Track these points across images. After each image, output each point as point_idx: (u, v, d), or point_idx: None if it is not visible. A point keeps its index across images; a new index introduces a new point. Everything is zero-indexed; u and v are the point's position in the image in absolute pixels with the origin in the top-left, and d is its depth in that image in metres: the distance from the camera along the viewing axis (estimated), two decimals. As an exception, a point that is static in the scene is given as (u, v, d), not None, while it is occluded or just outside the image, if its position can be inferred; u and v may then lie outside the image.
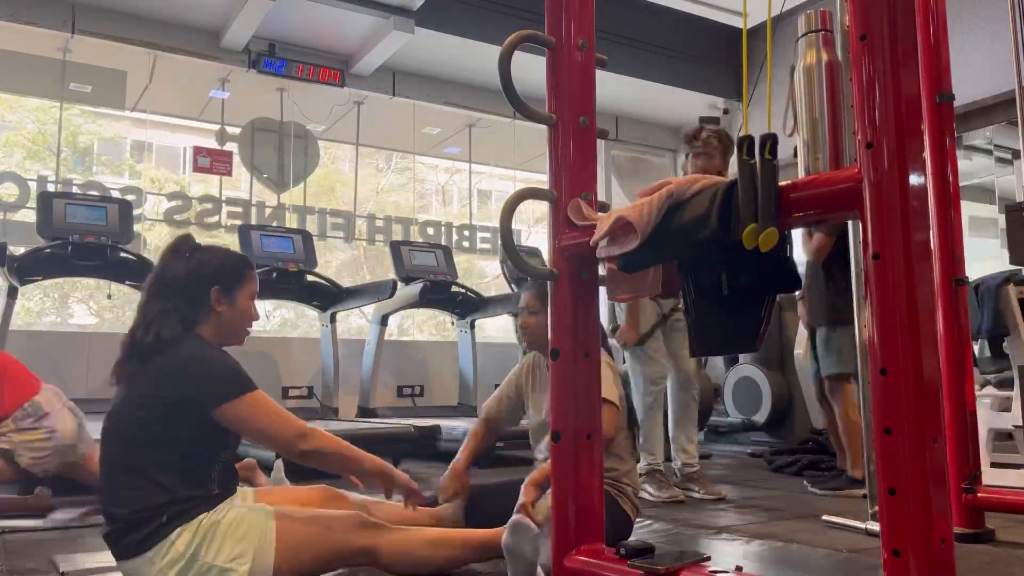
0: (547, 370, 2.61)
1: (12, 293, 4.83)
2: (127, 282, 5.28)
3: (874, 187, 1.21)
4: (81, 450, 3.25)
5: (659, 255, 1.57)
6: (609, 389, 2.43)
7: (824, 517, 3.06)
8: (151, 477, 1.81)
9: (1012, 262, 3.23)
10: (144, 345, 1.88)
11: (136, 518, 1.79)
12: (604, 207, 1.72)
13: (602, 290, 1.78)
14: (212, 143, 7.63)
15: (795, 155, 1.46)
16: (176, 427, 1.84)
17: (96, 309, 11.38)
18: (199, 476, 1.88)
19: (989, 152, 7.10)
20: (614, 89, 7.68)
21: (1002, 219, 7.29)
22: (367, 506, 2.31)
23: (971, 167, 7.06)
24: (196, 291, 1.96)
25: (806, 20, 1.47)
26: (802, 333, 5.23)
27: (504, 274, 6.71)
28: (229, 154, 7.49)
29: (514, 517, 1.99)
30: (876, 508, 2.61)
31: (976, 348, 4.20)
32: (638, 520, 3.07)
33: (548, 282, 1.75)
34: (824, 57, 1.43)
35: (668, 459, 3.89)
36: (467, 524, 2.45)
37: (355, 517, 1.99)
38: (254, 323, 2.08)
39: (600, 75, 1.79)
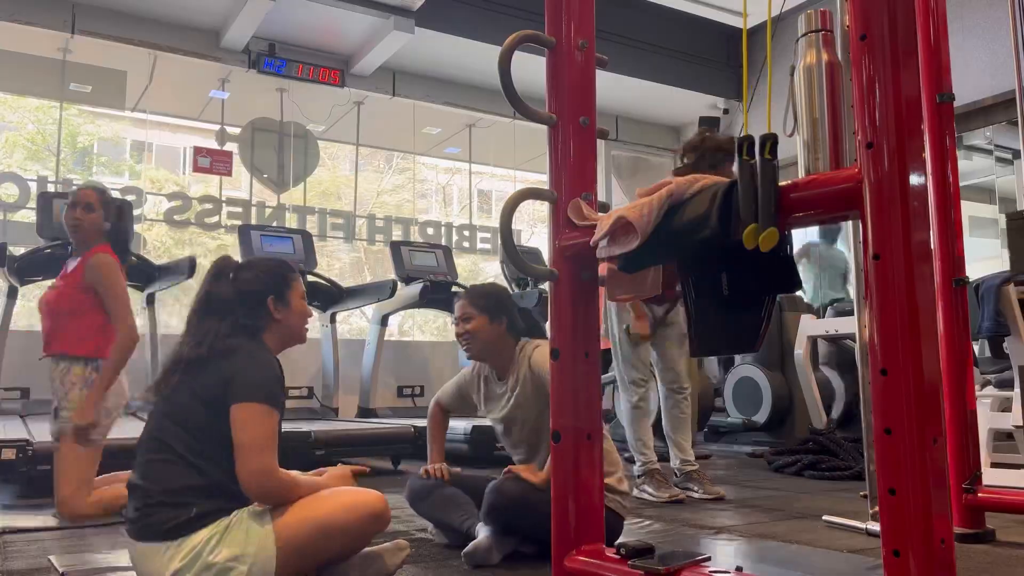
0: (496, 383, 2.63)
1: (12, 293, 4.83)
2: (127, 282, 5.27)
3: (874, 187, 1.21)
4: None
5: (659, 255, 1.57)
6: None
7: (824, 517, 3.06)
8: (186, 459, 1.85)
9: (1013, 268, 3.23)
10: (193, 357, 1.93)
11: (165, 500, 1.81)
12: (604, 207, 1.73)
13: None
14: (212, 143, 7.63)
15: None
16: (219, 416, 1.86)
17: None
18: (232, 469, 1.88)
19: (989, 152, 7.11)
20: (614, 89, 7.68)
21: (1002, 219, 7.30)
22: None
23: (971, 167, 7.07)
24: (254, 305, 2.03)
25: (806, 20, 1.47)
26: (802, 333, 5.23)
27: (504, 274, 6.72)
28: (229, 154, 7.50)
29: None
30: (876, 508, 2.61)
31: (976, 348, 4.20)
32: (639, 520, 3.07)
33: (550, 283, 1.75)
34: (824, 57, 1.43)
35: (666, 459, 3.89)
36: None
37: (369, 506, 1.94)
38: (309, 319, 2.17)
39: (600, 75, 1.79)
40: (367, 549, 2.02)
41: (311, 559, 1.89)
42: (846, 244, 6.50)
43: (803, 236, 6.76)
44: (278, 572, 1.82)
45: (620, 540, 1.66)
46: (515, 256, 1.72)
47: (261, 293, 2.04)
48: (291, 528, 1.85)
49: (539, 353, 2.55)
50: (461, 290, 2.84)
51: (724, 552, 2.58)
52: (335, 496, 1.96)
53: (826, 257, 6.45)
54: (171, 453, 1.86)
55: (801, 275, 5.93)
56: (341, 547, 1.93)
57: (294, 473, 1.98)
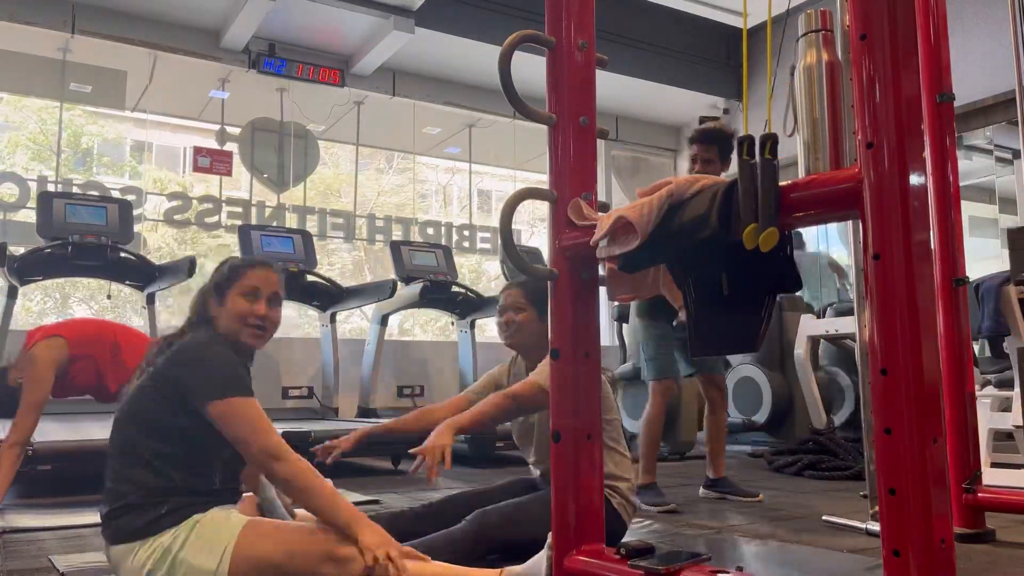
0: (525, 373, 2.63)
1: (12, 293, 4.83)
2: (127, 282, 5.28)
3: (874, 187, 1.21)
4: None
5: (659, 255, 1.57)
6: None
7: (824, 517, 3.06)
8: (152, 463, 1.83)
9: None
10: (161, 345, 1.98)
11: (134, 501, 1.80)
12: (604, 207, 1.72)
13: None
14: (212, 143, 7.63)
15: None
16: (178, 414, 1.85)
17: (97, 309, 11.37)
18: (200, 468, 1.88)
19: (989, 152, 7.11)
20: (614, 89, 7.67)
21: (1003, 219, 7.30)
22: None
23: (971, 167, 7.06)
24: (199, 301, 2.03)
25: (806, 20, 1.47)
26: (802, 333, 5.23)
27: (504, 274, 6.71)
28: (229, 154, 7.49)
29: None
30: (876, 508, 2.61)
31: (976, 348, 4.20)
32: (638, 520, 3.06)
33: (548, 281, 1.75)
34: (824, 57, 1.43)
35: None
36: (420, 528, 2.35)
37: (324, 545, 1.81)
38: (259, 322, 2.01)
39: (600, 75, 1.79)
40: None
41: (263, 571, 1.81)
42: (846, 244, 6.50)
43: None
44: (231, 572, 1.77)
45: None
46: (515, 256, 1.72)
47: (205, 290, 2.02)
48: (252, 538, 1.80)
49: None
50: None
51: (724, 552, 2.58)
52: (302, 527, 1.90)
53: (803, 263, 6.46)
54: (135, 456, 1.84)
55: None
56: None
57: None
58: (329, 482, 1.90)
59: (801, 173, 1.41)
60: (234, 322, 1.98)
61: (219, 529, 1.81)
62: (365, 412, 6.03)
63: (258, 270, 2.04)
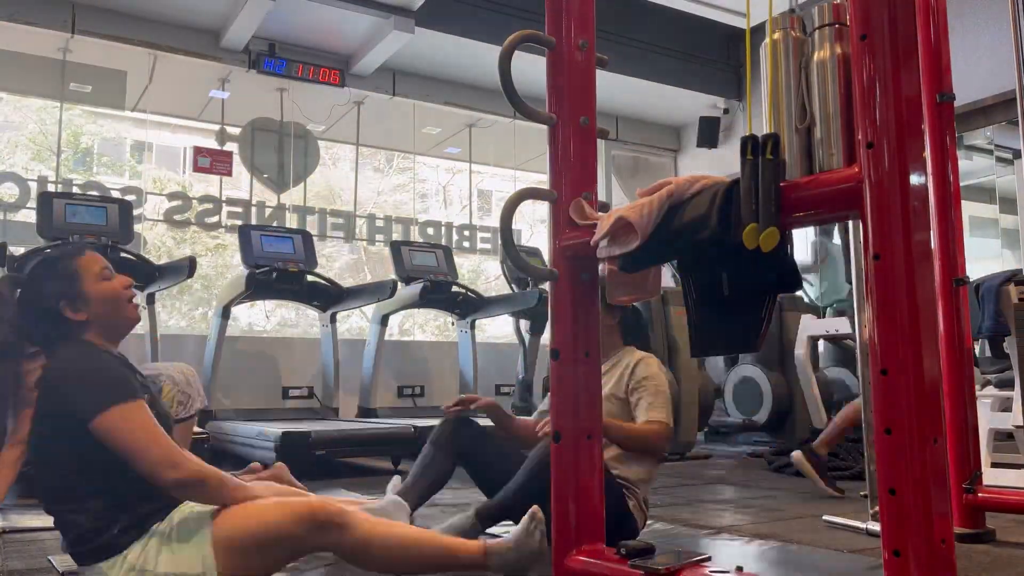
0: None
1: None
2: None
3: (874, 187, 1.21)
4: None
5: (659, 255, 1.57)
6: (663, 405, 2.48)
7: (824, 517, 3.06)
8: (90, 485, 1.74)
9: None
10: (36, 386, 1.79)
11: (84, 524, 1.73)
12: (604, 207, 1.72)
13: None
14: (212, 143, 7.63)
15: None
16: (94, 450, 1.70)
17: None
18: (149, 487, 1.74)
19: (989, 152, 7.11)
20: (614, 89, 7.68)
21: (1003, 219, 7.31)
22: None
23: (971, 167, 7.07)
24: (52, 322, 1.82)
25: (819, 13, 1.45)
26: (802, 333, 5.23)
27: (504, 274, 6.71)
28: (229, 154, 7.49)
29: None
30: (876, 508, 2.61)
31: (976, 348, 4.20)
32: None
33: (549, 282, 1.75)
34: (838, 51, 1.41)
35: None
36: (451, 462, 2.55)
37: (296, 508, 1.74)
38: (134, 293, 1.92)
39: (600, 75, 1.80)
40: None
41: (258, 560, 1.76)
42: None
43: (804, 234, 6.76)
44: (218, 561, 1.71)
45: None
46: (515, 256, 1.72)
47: (46, 309, 1.80)
48: (225, 522, 1.73)
49: (646, 364, 2.58)
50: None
51: (724, 552, 2.58)
52: (279, 500, 1.82)
53: (834, 254, 6.45)
54: (80, 499, 1.74)
55: (816, 276, 5.91)
56: (285, 552, 1.79)
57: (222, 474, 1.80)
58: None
59: (816, 169, 1.38)
60: (113, 307, 1.87)
61: (190, 529, 1.74)
62: (366, 412, 6.03)
63: (87, 254, 1.91)
